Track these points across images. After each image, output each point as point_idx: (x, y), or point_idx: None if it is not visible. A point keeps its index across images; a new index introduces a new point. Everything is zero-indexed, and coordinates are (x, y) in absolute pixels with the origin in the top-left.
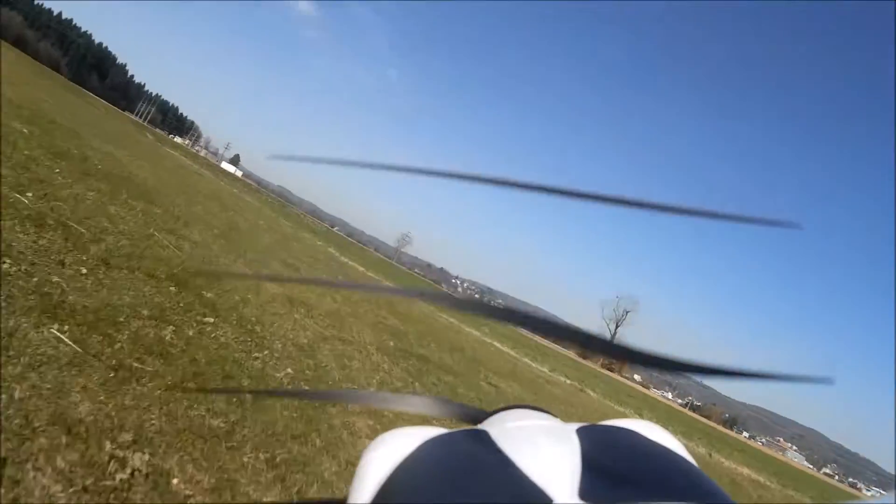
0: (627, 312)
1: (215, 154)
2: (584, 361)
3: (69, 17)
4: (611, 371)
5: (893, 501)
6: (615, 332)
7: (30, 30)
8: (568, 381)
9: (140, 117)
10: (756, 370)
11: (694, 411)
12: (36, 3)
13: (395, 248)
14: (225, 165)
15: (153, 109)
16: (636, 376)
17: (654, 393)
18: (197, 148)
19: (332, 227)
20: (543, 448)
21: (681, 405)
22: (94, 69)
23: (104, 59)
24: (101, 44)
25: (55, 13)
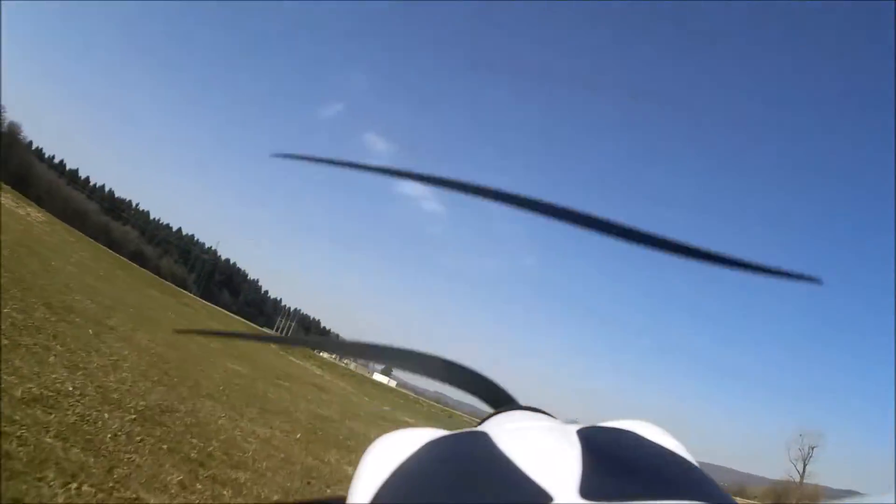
0: (813, 448)
1: (366, 365)
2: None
3: (191, 234)
4: None
5: (893, 501)
6: (804, 473)
7: (148, 245)
8: None
9: (280, 332)
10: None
11: None
12: (153, 218)
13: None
14: (377, 377)
15: (293, 324)
16: None
17: None
18: (346, 361)
19: None
20: (544, 447)
21: None
22: (223, 286)
23: (233, 275)
24: (228, 259)
25: (175, 229)
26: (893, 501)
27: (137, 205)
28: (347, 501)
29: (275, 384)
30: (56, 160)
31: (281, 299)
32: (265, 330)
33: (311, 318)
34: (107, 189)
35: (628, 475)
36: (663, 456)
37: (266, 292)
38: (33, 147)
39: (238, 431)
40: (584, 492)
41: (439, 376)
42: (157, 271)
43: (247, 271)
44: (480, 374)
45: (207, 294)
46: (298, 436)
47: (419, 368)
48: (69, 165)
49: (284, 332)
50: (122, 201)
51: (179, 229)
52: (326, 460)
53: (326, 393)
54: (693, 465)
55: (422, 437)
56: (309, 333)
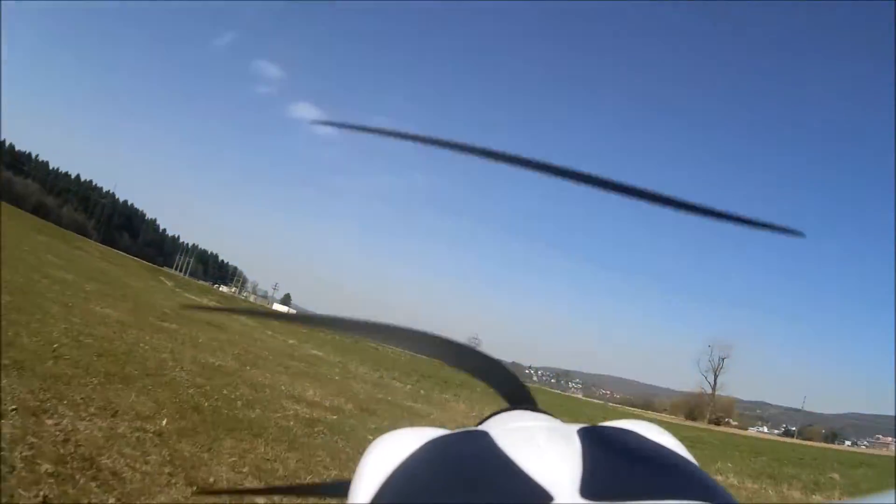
0: (724, 360)
1: (266, 297)
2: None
3: (89, 179)
4: (717, 425)
5: (893, 501)
6: (715, 384)
7: (49, 196)
8: None
9: (180, 271)
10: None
11: (795, 437)
12: (52, 167)
13: None
14: (276, 307)
15: (191, 261)
16: (732, 421)
17: (751, 432)
18: (245, 294)
19: None
20: (544, 448)
21: (779, 434)
22: (123, 229)
23: (132, 216)
24: (126, 201)
25: (73, 176)
26: (893, 501)
27: (37, 156)
28: (348, 501)
29: (156, 328)
30: None
31: (179, 236)
32: (169, 271)
33: (210, 252)
34: (7, 144)
35: (629, 475)
36: (663, 456)
37: (164, 230)
38: None
39: (29, 445)
40: (585, 492)
41: (453, 361)
42: (58, 221)
43: (145, 211)
44: (500, 364)
45: (108, 238)
46: (164, 422)
47: (432, 351)
48: None
49: (184, 270)
50: (21, 154)
51: (78, 176)
52: (212, 478)
53: (224, 332)
54: (693, 464)
55: (422, 437)
56: (207, 269)
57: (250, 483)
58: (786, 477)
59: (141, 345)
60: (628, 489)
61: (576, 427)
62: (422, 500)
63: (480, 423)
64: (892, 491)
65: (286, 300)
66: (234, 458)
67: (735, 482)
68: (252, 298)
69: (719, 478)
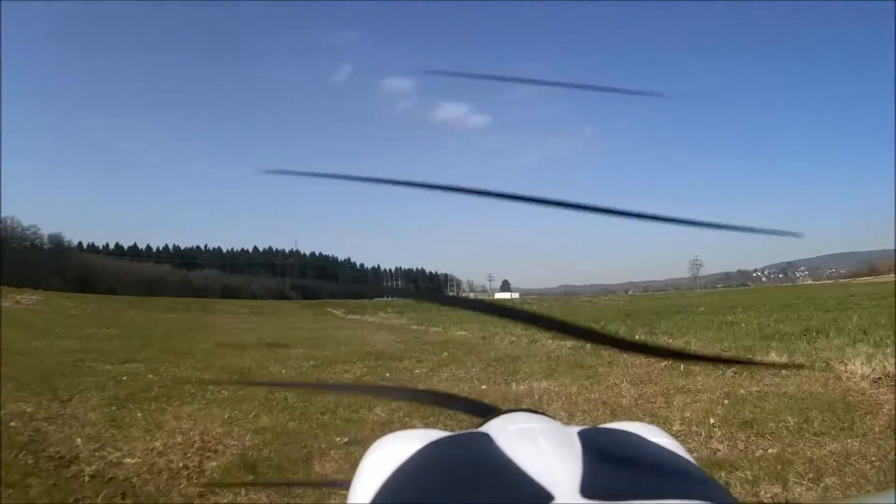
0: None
1: (485, 290)
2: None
3: (268, 246)
4: None
5: (893, 501)
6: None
7: (231, 275)
8: None
9: (388, 296)
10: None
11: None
12: (227, 250)
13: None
14: (498, 296)
15: (398, 283)
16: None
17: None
18: (463, 293)
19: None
20: (545, 448)
21: None
22: (321, 278)
23: (324, 264)
24: (313, 252)
25: (250, 249)
26: (893, 501)
27: (206, 246)
28: (348, 502)
29: None
30: None
31: (379, 265)
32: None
33: (415, 269)
34: (171, 246)
35: (629, 475)
36: (663, 456)
37: (361, 265)
38: None
39: None
40: (585, 491)
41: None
42: (253, 294)
43: (336, 255)
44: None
45: (309, 293)
46: None
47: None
48: None
49: (391, 293)
50: (189, 250)
51: (255, 248)
52: None
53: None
54: (693, 465)
55: (423, 438)
56: (418, 284)
57: None
58: None
59: None
60: (628, 489)
61: (576, 428)
62: (422, 501)
63: (481, 425)
64: (892, 491)
65: (505, 287)
66: None
67: None
68: (472, 295)
69: None
